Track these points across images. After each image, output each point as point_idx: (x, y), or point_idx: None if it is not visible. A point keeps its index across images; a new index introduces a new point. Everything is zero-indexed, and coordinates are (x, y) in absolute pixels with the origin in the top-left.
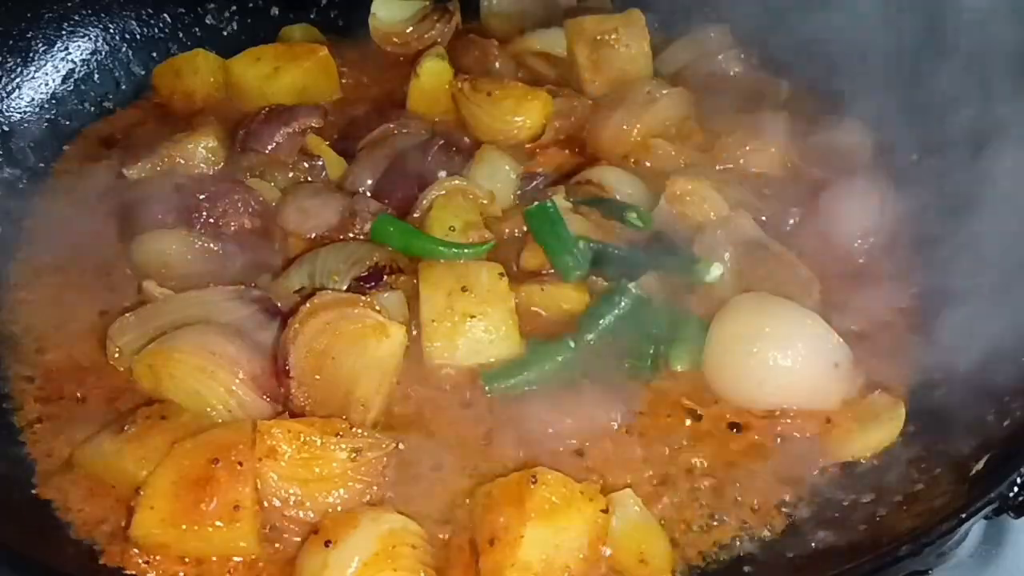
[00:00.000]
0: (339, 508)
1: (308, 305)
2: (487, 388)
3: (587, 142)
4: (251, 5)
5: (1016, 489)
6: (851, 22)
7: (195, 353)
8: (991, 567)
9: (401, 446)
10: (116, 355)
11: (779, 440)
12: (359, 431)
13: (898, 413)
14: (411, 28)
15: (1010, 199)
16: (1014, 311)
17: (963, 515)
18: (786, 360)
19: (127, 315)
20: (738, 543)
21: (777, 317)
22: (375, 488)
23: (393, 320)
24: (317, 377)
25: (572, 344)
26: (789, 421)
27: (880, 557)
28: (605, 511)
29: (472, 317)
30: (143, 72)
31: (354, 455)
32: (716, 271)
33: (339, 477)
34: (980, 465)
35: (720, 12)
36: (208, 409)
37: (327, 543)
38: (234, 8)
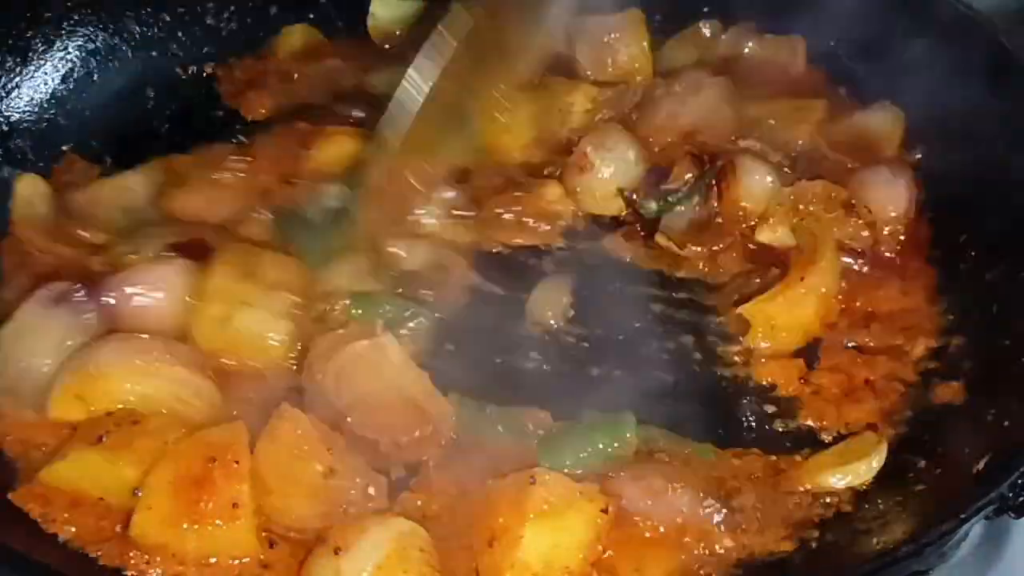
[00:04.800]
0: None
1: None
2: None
3: (636, 130)
4: (251, 4)
5: (1016, 489)
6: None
7: (123, 360)
8: (991, 567)
9: None
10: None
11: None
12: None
13: (879, 450)
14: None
15: None
16: (1020, 309)
17: (963, 515)
18: None
19: None
20: (738, 543)
21: None
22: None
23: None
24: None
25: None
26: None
27: (880, 557)
28: (605, 511)
29: None
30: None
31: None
32: None
33: None
34: (980, 465)
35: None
36: (165, 410)
37: (336, 550)
38: (233, 8)
